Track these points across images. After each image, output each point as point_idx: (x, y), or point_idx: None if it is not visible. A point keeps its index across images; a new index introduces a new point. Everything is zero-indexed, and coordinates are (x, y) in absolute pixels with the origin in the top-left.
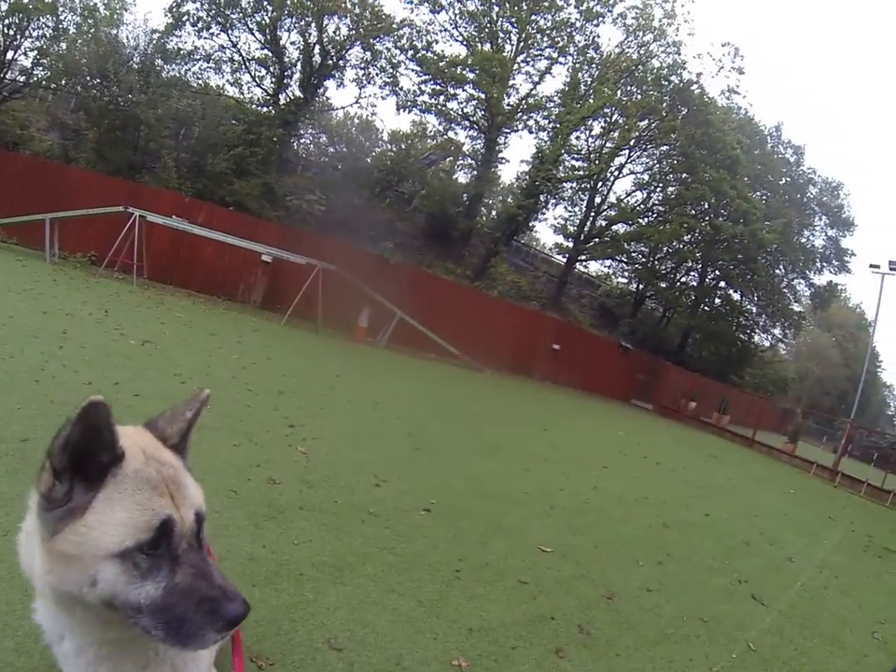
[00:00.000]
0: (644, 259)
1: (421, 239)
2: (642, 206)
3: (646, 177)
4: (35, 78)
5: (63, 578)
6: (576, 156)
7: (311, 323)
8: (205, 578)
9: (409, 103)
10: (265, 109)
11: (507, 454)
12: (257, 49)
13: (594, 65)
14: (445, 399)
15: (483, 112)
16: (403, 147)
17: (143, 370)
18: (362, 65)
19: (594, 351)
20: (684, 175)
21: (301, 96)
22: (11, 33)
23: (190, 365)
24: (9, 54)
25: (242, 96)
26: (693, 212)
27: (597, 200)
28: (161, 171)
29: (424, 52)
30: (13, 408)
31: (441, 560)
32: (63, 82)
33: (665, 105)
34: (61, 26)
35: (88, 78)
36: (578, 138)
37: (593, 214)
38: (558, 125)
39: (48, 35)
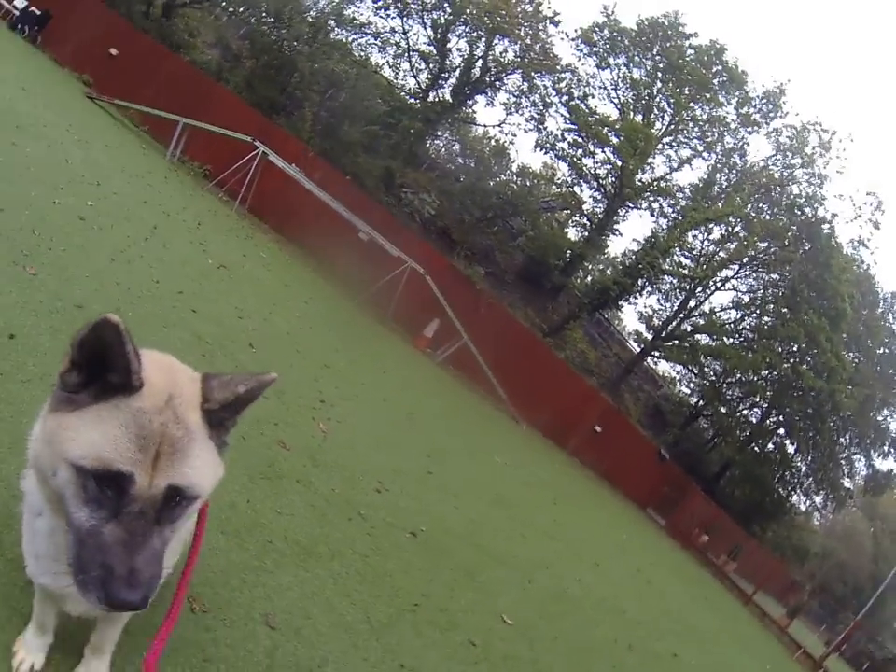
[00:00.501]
0: (714, 378)
1: (513, 276)
2: (732, 326)
3: (746, 299)
4: None
5: (39, 452)
6: (686, 253)
7: (381, 311)
8: (124, 550)
9: (548, 144)
10: (412, 100)
11: (512, 512)
12: (424, 42)
13: (734, 171)
14: (475, 437)
15: (614, 179)
16: (528, 184)
17: (209, 290)
18: (516, 93)
19: (631, 447)
20: (784, 310)
21: (450, 100)
22: None
23: (254, 305)
24: None
25: (395, 80)
26: (780, 350)
27: (692, 303)
28: (297, 120)
29: (577, 102)
30: (81, 274)
31: (405, 587)
32: (241, 9)
33: (790, 233)
34: None
35: (264, 14)
36: (694, 237)
37: (682, 315)
38: (680, 217)
39: None
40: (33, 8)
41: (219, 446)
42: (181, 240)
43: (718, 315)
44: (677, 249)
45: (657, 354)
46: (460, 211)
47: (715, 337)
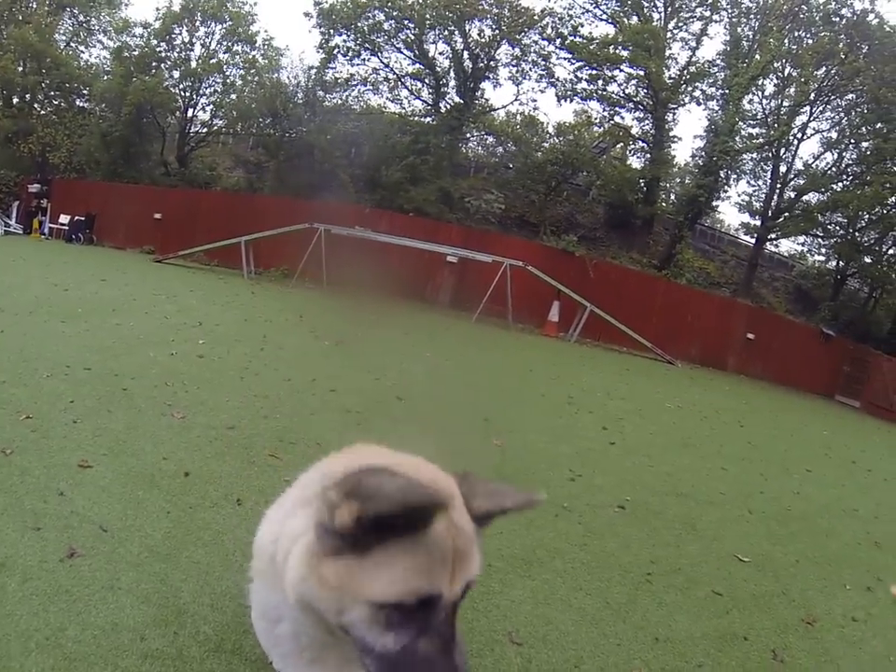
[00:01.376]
0: (842, 232)
1: (602, 230)
2: (834, 170)
3: (834, 135)
4: (215, 127)
5: (314, 594)
6: (752, 122)
7: (501, 319)
8: (446, 654)
9: (568, 92)
10: (428, 119)
11: (702, 451)
12: (408, 64)
13: (752, 16)
14: (638, 393)
15: (645, 90)
16: (571, 138)
17: (338, 367)
18: (514, 62)
19: (791, 340)
20: (878, 125)
21: (461, 101)
22: (188, 94)
23: (384, 363)
24: (189, 112)
25: (403, 110)
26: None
27: (782, 169)
28: (338, 188)
29: (572, 38)
30: (222, 400)
31: (632, 561)
32: (239, 126)
33: (841, 45)
34: (228, 80)
35: (260, 119)
36: (751, 102)
37: (779, 185)
38: (727, 91)
39: (218, 91)
40: (79, 217)
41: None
42: (292, 336)
43: (814, 166)
44: (740, 124)
45: (773, 236)
46: (526, 194)
47: (823, 190)
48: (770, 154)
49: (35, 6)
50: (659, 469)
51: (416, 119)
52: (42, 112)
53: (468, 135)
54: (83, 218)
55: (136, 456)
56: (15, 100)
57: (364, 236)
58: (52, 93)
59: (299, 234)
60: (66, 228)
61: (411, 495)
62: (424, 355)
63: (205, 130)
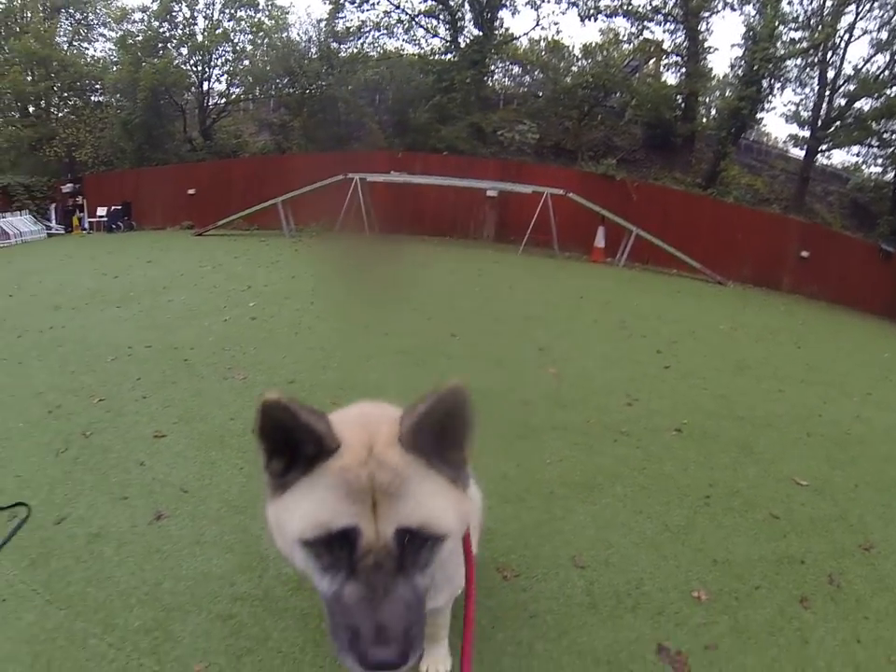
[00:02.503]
0: None
1: (642, 151)
2: (887, 72)
3: (884, 34)
4: (233, 96)
5: (276, 543)
6: (794, 26)
7: (547, 249)
8: (368, 607)
9: (591, 11)
10: (448, 56)
11: (758, 372)
12: (420, 2)
13: None
14: (690, 315)
15: (673, 0)
16: (599, 59)
17: (389, 312)
18: None
19: (849, 257)
20: None
21: (479, 33)
22: (199, 68)
23: (434, 302)
24: (205, 85)
25: (422, 50)
26: None
27: (830, 74)
28: (367, 136)
29: None
30: (279, 357)
31: (690, 484)
32: (257, 91)
33: None
34: (238, 47)
35: (277, 80)
36: (790, 3)
37: (828, 93)
38: None
39: (230, 59)
40: (115, 207)
41: (454, 477)
42: (340, 287)
43: (865, 70)
44: (781, 28)
45: (824, 148)
46: (559, 121)
47: (877, 95)
48: (816, 59)
49: (29, 15)
50: (714, 392)
51: (436, 57)
52: (59, 115)
53: (492, 68)
54: (119, 207)
55: (205, 421)
56: (31, 108)
57: (400, 181)
58: (65, 94)
59: (335, 187)
60: (105, 219)
61: (300, 412)
62: (473, 290)
63: (223, 100)
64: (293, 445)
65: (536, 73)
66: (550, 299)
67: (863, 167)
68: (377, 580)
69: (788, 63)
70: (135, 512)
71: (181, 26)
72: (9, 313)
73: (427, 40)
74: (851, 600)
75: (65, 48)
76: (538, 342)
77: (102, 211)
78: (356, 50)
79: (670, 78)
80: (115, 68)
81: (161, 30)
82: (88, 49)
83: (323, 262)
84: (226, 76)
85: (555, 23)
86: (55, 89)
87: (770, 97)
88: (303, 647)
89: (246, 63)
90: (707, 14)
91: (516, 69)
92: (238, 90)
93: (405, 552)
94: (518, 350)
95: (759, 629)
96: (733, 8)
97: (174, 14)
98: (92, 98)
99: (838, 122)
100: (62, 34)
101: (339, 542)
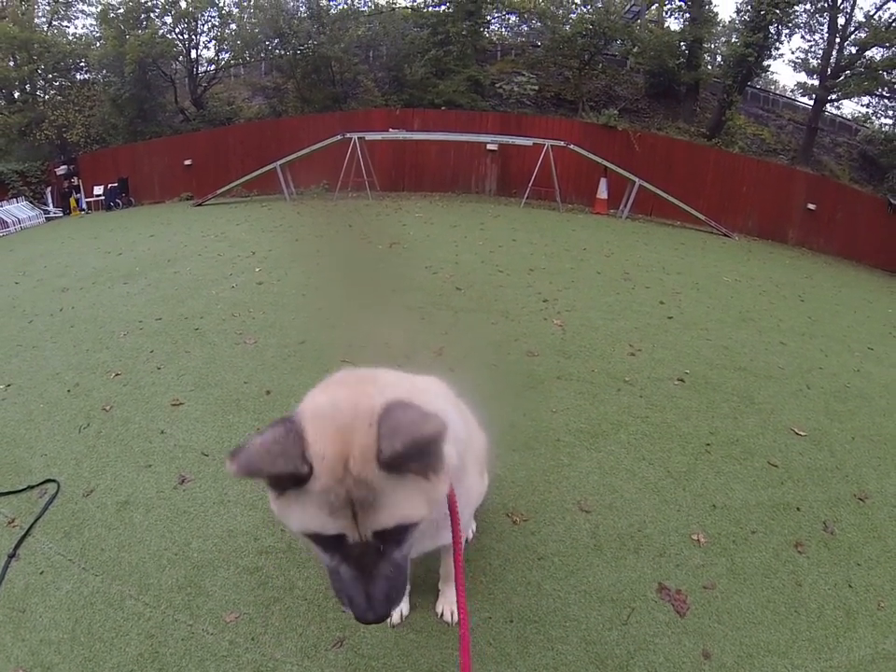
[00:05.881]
0: None
1: (644, 101)
2: None
3: None
4: (223, 62)
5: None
6: None
7: (549, 201)
8: (358, 584)
9: None
10: (443, 7)
11: (760, 325)
12: None
13: None
14: (694, 267)
15: None
16: (600, 5)
17: (394, 268)
18: None
19: (856, 210)
20: None
21: None
22: (186, 36)
23: (439, 256)
24: (193, 53)
25: (415, 2)
26: None
27: (841, 21)
28: (364, 94)
29: None
30: (288, 319)
31: (692, 432)
32: (247, 55)
33: None
34: (224, 12)
35: (266, 42)
36: None
37: (838, 40)
38: None
39: (216, 24)
40: (112, 184)
41: (428, 472)
42: (345, 247)
43: (877, 17)
44: None
45: (834, 97)
46: (559, 71)
47: (888, 44)
48: (826, 4)
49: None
50: (717, 343)
51: (430, 9)
52: (46, 97)
53: (488, 18)
54: (116, 184)
55: (220, 386)
56: (16, 94)
57: (399, 137)
58: (50, 76)
59: (334, 147)
60: (103, 198)
61: (263, 466)
62: (476, 244)
63: (213, 67)
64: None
65: (533, 22)
66: (553, 251)
67: (874, 118)
68: (363, 564)
69: (796, 7)
70: (160, 478)
71: None
72: (18, 299)
73: None
74: (844, 547)
75: (45, 28)
76: (542, 293)
77: (99, 190)
78: (346, 6)
79: (673, 25)
80: (98, 44)
81: (143, 0)
82: (68, 27)
83: (328, 222)
84: (214, 42)
85: None
86: (39, 71)
87: (778, 44)
88: (326, 594)
89: (234, 27)
90: None
91: (513, 19)
92: (227, 55)
93: (385, 542)
94: (523, 302)
95: (754, 571)
96: None
97: None
98: (78, 77)
99: (848, 71)
100: (40, 14)
101: (330, 541)
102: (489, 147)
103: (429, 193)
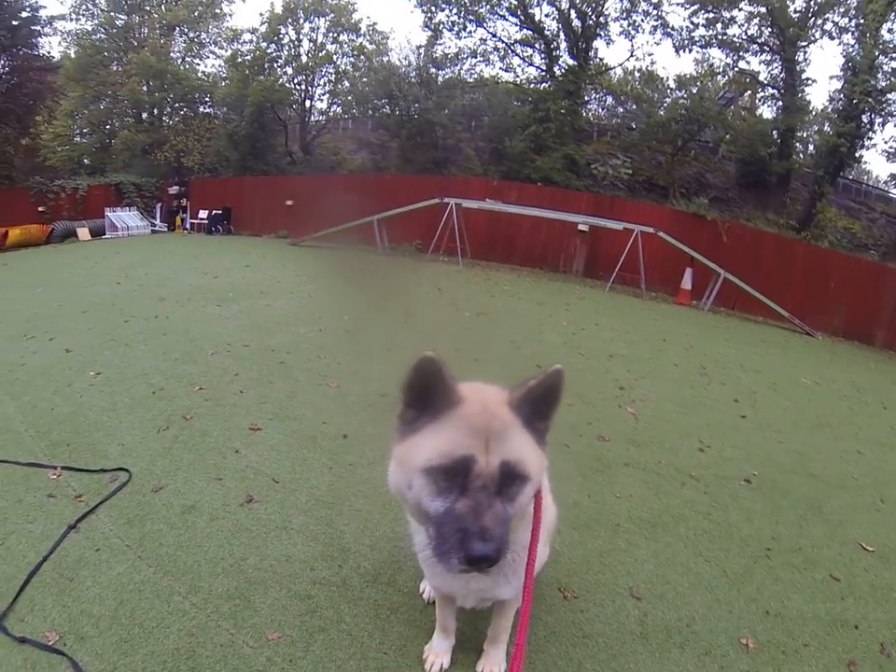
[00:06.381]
0: None
1: (735, 190)
2: None
3: None
4: (333, 114)
5: (396, 477)
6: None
7: (634, 287)
8: (476, 514)
9: (685, 41)
10: (544, 85)
11: (838, 431)
12: (516, 31)
13: None
14: (773, 366)
15: (770, 29)
16: (694, 91)
17: (478, 338)
18: (624, 15)
19: None
20: None
21: (575, 63)
22: (303, 87)
23: (522, 333)
24: (307, 103)
25: (518, 78)
26: None
27: None
28: (464, 161)
29: None
30: (373, 370)
31: (753, 535)
32: (356, 111)
33: None
34: (340, 69)
35: (376, 101)
36: (891, 31)
37: None
38: (862, 20)
39: (331, 80)
40: (216, 211)
41: (538, 440)
42: (433, 309)
43: None
44: (882, 58)
45: None
46: (652, 156)
47: None
48: None
49: (146, 31)
50: (789, 447)
51: (532, 86)
52: (171, 123)
53: (586, 98)
54: (220, 212)
55: (298, 421)
56: (144, 115)
57: (495, 208)
58: (177, 105)
59: (429, 210)
60: (206, 222)
61: (439, 373)
62: (560, 324)
63: (324, 118)
64: (427, 397)
65: (629, 104)
66: (633, 339)
67: None
68: (483, 497)
69: (890, 95)
70: (228, 493)
71: (287, 47)
72: (118, 299)
73: (522, 69)
74: None
75: (179, 62)
76: (619, 380)
77: (203, 214)
78: (453, 75)
79: (766, 112)
80: (223, 84)
81: (269, 51)
82: (199, 65)
83: (418, 284)
84: (328, 94)
85: (650, 54)
86: (168, 100)
87: (871, 133)
88: (371, 633)
89: (347, 84)
90: (804, 44)
91: (610, 100)
92: (338, 108)
93: (503, 481)
94: (599, 386)
95: None
96: (831, 37)
97: (280, 36)
98: (201, 109)
99: None
100: (176, 50)
101: (456, 469)
102: (580, 227)
103: (518, 267)
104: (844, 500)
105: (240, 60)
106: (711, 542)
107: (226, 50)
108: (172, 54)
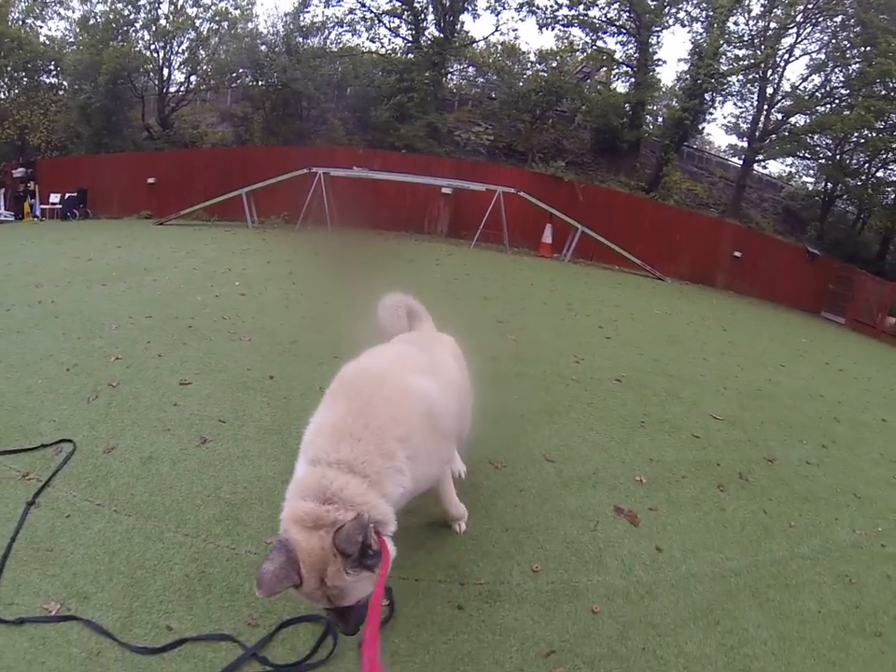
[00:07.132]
0: (830, 154)
1: (590, 155)
2: (821, 92)
3: (822, 57)
4: (192, 85)
5: None
6: (738, 44)
7: (498, 244)
8: (340, 623)
9: (549, 20)
10: (410, 56)
11: (687, 345)
12: (385, 1)
13: None
14: (630, 302)
15: (628, 14)
16: (554, 65)
17: (357, 295)
18: None
19: (778, 258)
20: (865, 48)
21: (441, 35)
22: (161, 54)
23: (398, 287)
24: (165, 72)
25: (384, 48)
26: (884, 92)
27: (769, 91)
28: (329, 132)
29: None
30: (277, 324)
31: (629, 414)
32: (218, 80)
33: None
34: (201, 36)
35: (240, 70)
36: (736, 24)
37: (766, 107)
38: (711, 13)
39: (192, 47)
40: (71, 194)
41: (370, 566)
42: (314, 271)
43: (801, 88)
44: (725, 46)
45: (761, 158)
46: (512, 123)
47: (809, 112)
48: (757, 75)
49: None
50: (648, 357)
51: (398, 56)
52: (11, 95)
53: (450, 69)
54: (75, 194)
55: (224, 372)
56: None
57: (362, 175)
58: (17, 74)
59: (295, 181)
60: (59, 206)
61: (276, 588)
62: (433, 276)
63: (183, 89)
64: None
65: (491, 75)
66: (503, 285)
67: (796, 177)
68: (339, 614)
69: (730, 78)
70: (181, 439)
71: (145, 9)
72: None
73: (389, 39)
74: (758, 488)
75: (18, 25)
76: (496, 316)
77: (55, 198)
78: (319, 45)
79: (620, 87)
80: (72, 49)
81: (126, 12)
82: (42, 27)
83: (295, 250)
84: (187, 63)
85: (514, 29)
86: (7, 69)
87: (712, 109)
88: None
89: (208, 52)
90: (658, 28)
91: (472, 70)
92: (199, 78)
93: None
94: (480, 322)
95: (686, 500)
96: (683, 24)
97: None
98: (46, 80)
99: (774, 135)
100: (15, 10)
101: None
102: (444, 190)
103: (385, 231)
104: (695, 389)
105: (92, 22)
106: (598, 421)
107: (73, 12)
108: (11, 15)
